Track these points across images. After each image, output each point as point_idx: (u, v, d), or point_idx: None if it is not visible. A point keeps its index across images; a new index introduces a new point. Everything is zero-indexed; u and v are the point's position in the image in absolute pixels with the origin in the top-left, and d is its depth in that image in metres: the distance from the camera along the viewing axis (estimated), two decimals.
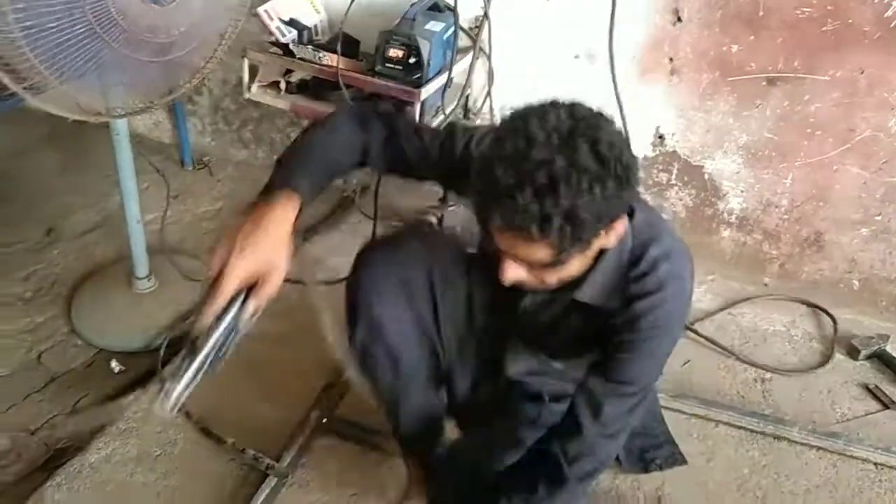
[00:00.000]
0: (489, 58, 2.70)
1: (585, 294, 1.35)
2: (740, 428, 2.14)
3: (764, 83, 2.45)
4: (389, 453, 1.93)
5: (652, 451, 1.91)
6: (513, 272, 1.22)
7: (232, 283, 1.15)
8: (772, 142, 2.54)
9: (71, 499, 1.86)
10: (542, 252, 1.13)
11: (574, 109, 1.11)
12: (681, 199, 2.78)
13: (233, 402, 2.10)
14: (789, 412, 2.23)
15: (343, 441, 2.04)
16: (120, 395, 2.24)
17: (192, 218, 3.06)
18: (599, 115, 1.13)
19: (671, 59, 2.51)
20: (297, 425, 2.06)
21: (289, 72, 2.59)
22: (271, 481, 1.93)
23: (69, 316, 2.53)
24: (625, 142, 1.13)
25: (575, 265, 1.23)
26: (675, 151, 2.70)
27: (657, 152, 2.73)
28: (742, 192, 2.70)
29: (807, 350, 2.53)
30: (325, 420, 2.07)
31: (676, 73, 2.53)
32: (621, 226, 1.20)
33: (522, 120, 1.10)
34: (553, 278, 1.24)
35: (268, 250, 1.17)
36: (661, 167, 2.75)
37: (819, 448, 2.10)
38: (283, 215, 1.21)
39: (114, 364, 2.38)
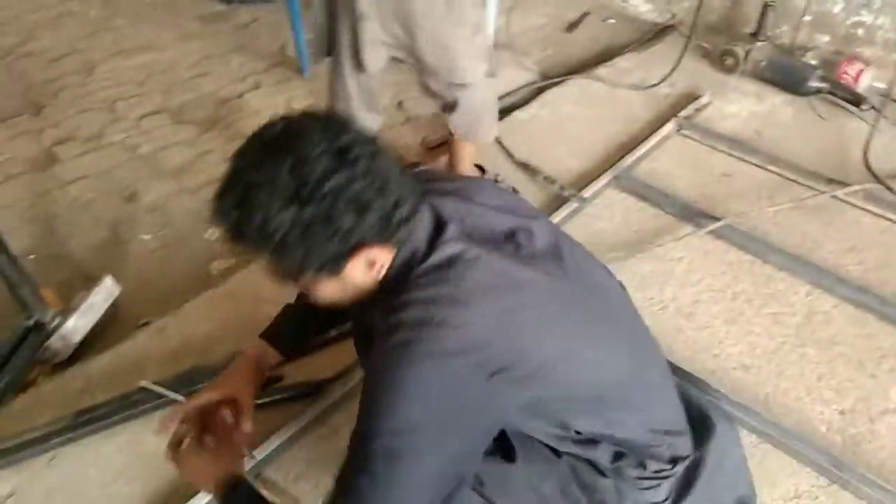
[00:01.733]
0: None
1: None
2: None
3: None
4: None
5: None
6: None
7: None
8: None
9: None
10: (267, 269, 1.04)
11: (306, 121, 1.00)
12: None
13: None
14: None
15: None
16: None
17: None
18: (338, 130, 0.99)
19: None
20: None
21: None
22: (572, 205, 2.31)
23: None
24: (347, 167, 0.97)
25: (326, 290, 1.08)
26: None
27: None
28: None
29: None
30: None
31: None
32: (374, 261, 1.05)
33: (269, 123, 1.01)
34: (317, 296, 1.11)
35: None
36: None
37: None
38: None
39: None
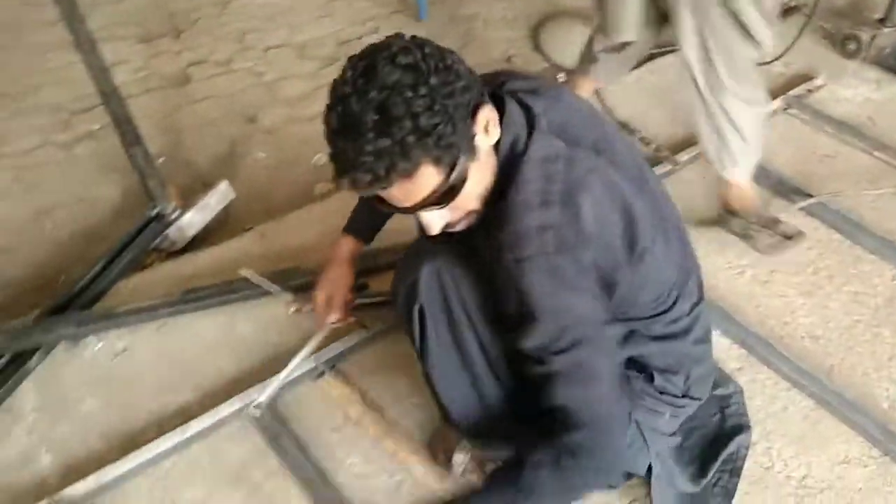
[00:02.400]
0: None
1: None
2: None
3: None
4: None
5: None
6: (427, 218, 1.12)
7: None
8: None
9: None
10: (409, 184, 1.02)
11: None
12: None
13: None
14: None
15: None
16: None
17: None
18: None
19: None
20: None
21: None
22: (665, 167, 2.35)
23: (537, 38, 3.18)
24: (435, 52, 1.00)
25: (471, 184, 1.09)
26: None
27: None
28: None
29: None
30: None
31: None
32: (488, 120, 1.06)
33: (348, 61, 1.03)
34: (463, 201, 1.10)
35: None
36: None
37: None
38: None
39: (561, 75, 2.96)
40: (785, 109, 2.67)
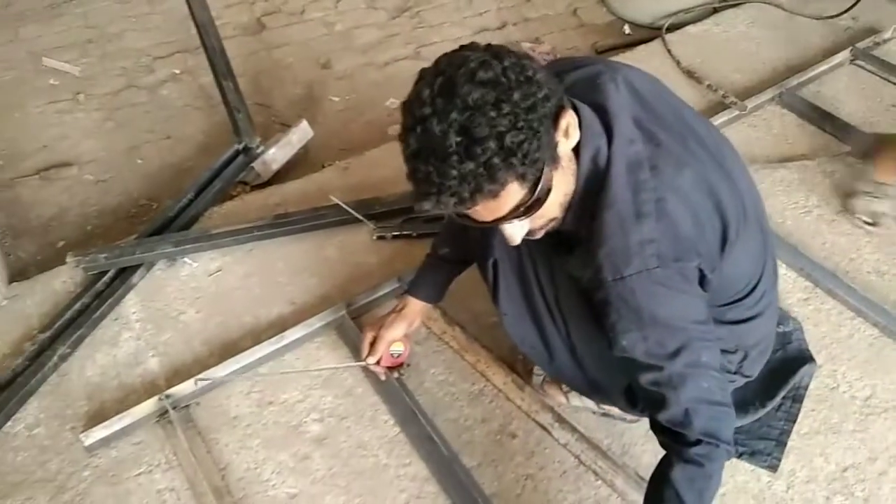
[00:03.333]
0: None
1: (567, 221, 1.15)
2: None
3: None
4: None
5: (745, 438, 1.62)
6: (510, 231, 1.09)
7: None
8: None
9: None
10: (493, 202, 0.99)
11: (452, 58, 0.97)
12: None
13: None
14: None
15: None
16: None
17: None
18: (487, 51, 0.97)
19: None
20: None
21: None
22: (732, 112, 2.40)
23: None
24: (516, 64, 0.95)
25: (556, 192, 1.06)
26: None
27: None
28: None
29: None
30: None
31: None
32: (568, 124, 1.02)
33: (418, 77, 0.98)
34: (546, 209, 1.07)
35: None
36: None
37: None
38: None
39: (626, 28, 3.01)
40: (852, 61, 2.70)
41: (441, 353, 1.82)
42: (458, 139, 0.91)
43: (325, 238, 2.10)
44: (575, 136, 1.04)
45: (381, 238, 2.08)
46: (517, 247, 1.16)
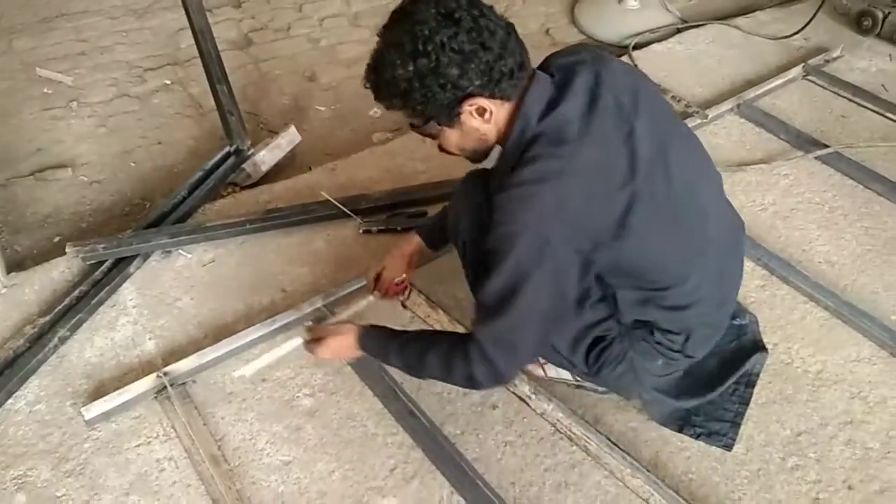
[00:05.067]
0: None
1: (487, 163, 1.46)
2: None
3: None
4: None
5: (702, 420, 1.72)
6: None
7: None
8: None
9: None
10: (393, 113, 1.31)
11: None
12: None
13: None
14: None
15: None
16: None
17: None
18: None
19: None
20: None
21: None
22: (694, 121, 2.58)
23: (573, 12, 3.42)
24: (461, 26, 1.20)
25: (450, 138, 1.36)
26: None
27: None
28: None
29: None
30: None
31: None
32: (482, 108, 1.27)
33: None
34: (446, 145, 1.39)
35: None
36: None
37: None
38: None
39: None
40: (804, 76, 2.90)
41: None
42: (374, 62, 1.26)
43: (314, 232, 2.21)
44: (489, 119, 1.29)
45: (366, 232, 2.20)
46: (484, 228, 1.32)
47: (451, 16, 1.19)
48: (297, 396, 1.80)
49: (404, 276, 1.77)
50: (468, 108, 1.27)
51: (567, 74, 1.31)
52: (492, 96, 1.26)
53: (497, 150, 1.39)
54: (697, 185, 1.42)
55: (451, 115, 1.28)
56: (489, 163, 1.47)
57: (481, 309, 1.33)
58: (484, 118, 1.29)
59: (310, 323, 1.84)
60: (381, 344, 1.52)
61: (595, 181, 1.24)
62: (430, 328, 1.92)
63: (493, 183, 1.39)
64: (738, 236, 1.62)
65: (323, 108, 2.94)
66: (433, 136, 1.37)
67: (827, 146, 2.49)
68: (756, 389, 1.80)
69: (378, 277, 1.77)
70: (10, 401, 1.78)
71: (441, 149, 1.43)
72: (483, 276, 1.29)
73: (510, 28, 1.26)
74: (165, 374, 1.79)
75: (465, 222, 1.59)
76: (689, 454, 1.69)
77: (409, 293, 1.90)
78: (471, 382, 1.36)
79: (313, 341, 1.60)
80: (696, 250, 1.43)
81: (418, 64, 1.19)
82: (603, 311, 1.49)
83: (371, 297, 1.78)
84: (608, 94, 1.30)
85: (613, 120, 1.28)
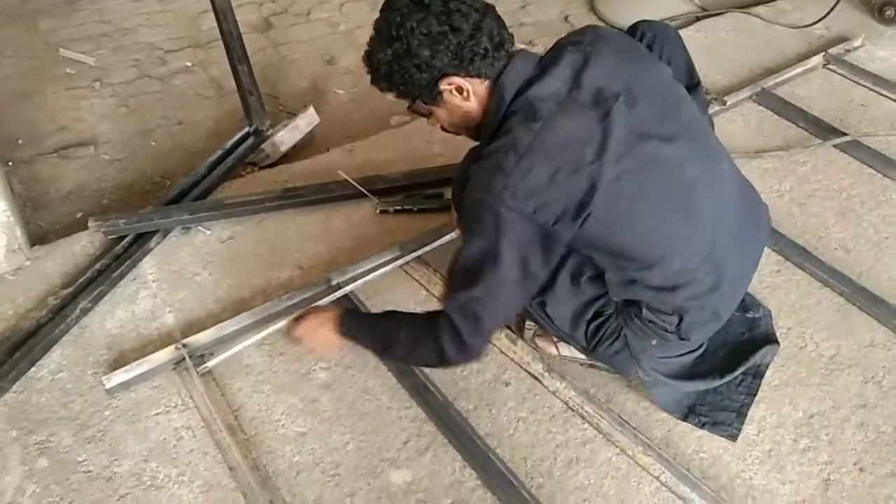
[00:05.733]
0: None
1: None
2: None
3: None
4: None
5: (708, 409, 1.72)
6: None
7: None
8: None
9: None
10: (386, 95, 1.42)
11: None
12: None
13: None
14: None
15: None
16: None
17: None
18: None
19: None
20: None
21: None
22: (713, 108, 2.57)
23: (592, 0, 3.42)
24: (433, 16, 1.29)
25: (440, 116, 1.44)
26: None
27: None
28: None
29: None
30: None
31: None
32: (460, 86, 1.35)
33: None
34: (440, 123, 1.47)
35: None
36: None
37: None
38: None
39: None
40: (825, 65, 2.88)
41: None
42: (366, 49, 1.36)
43: (331, 211, 2.24)
44: (468, 96, 1.36)
45: (383, 212, 2.22)
46: None
47: (422, 3, 1.29)
48: (314, 370, 1.82)
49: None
50: (447, 86, 1.35)
51: (557, 54, 1.37)
52: (468, 75, 1.34)
53: None
54: (690, 167, 1.39)
55: (432, 94, 1.37)
56: None
57: (450, 280, 1.37)
58: (463, 96, 1.37)
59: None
60: (356, 323, 1.53)
61: (560, 158, 1.27)
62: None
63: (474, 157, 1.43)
64: (756, 222, 1.59)
65: (341, 92, 2.96)
66: (426, 115, 1.46)
67: (846, 134, 2.48)
68: (769, 372, 1.81)
69: None
70: (33, 369, 1.82)
71: (442, 129, 1.51)
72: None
73: (487, 10, 1.33)
74: (184, 345, 1.81)
75: (458, 195, 1.62)
76: (700, 434, 1.70)
77: None
78: (440, 356, 1.35)
79: (296, 319, 1.61)
80: (684, 231, 1.41)
81: (394, 48, 1.30)
82: (600, 288, 1.52)
83: (454, 234, 1.97)
84: (592, 75, 1.33)
85: (591, 101, 1.31)
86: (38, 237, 2.25)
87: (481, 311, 1.30)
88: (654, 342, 1.55)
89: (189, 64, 3.06)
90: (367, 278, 1.97)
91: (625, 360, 1.61)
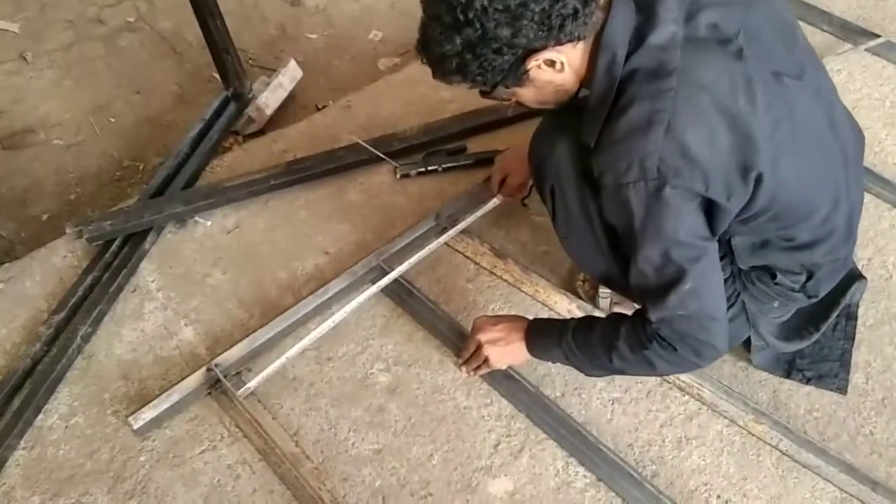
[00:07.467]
0: None
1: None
2: None
3: None
4: None
5: (809, 362, 1.59)
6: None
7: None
8: None
9: None
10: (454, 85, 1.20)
11: None
12: None
13: None
14: None
15: None
16: None
17: None
18: None
19: None
20: None
21: None
22: None
23: None
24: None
25: (526, 97, 1.22)
26: None
27: None
28: None
29: None
30: None
31: None
32: (552, 60, 1.13)
33: None
34: (524, 103, 1.26)
35: None
36: None
37: None
38: None
39: None
40: None
41: (496, 287, 1.74)
42: (421, 38, 1.13)
43: (344, 182, 1.97)
44: (561, 68, 1.14)
45: (404, 176, 1.96)
46: (574, 170, 1.25)
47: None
48: (371, 373, 1.60)
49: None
50: (534, 63, 1.12)
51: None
52: (559, 43, 1.10)
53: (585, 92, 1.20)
54: (819, 104, 1.25)
55: (518, 76, 1.14)
56: None
57: (645, 295, 1.20)
58: (555, 69, 1.14)
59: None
60: (546, 332, 1.40)
61: (714, 116, 1.07)
62: (504, 282, 1.73)
63: (586, 132, 1.18)
64: (860, 151, 1.44)
65: (315, 36, 2.63)
66: (507, 100, 1.24)
67: (878, 36, 2.30)
68: (860, 311, 1.67)
69: (503, 182, 1.75)
70: (40, 417, 1.55)
71: (519, 104, 1.28)
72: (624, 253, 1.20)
73: None
74: (216, 365, 1.56)
75: (551, 164, 1.37)
76: (808, 390, 1.57)
77: (531, 191, 1.77)
78: (691, 366, 1.26)
79: (475, 331, 1.49)
80: (825, 176, 1.27)
81: (464, 35, 1.06)
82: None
83: (496, 200, 1.78)
84: (704, 9, 1.13)
85: (715, 40, 1.11)
86: (2, 251, 1.91)
87: (699, 307, 1.16)
88: (776, 304, 1.41)
89: (131, 20, 2.66)
90: (414, 259, 1.72)
91: (740, 326, 1.45)
